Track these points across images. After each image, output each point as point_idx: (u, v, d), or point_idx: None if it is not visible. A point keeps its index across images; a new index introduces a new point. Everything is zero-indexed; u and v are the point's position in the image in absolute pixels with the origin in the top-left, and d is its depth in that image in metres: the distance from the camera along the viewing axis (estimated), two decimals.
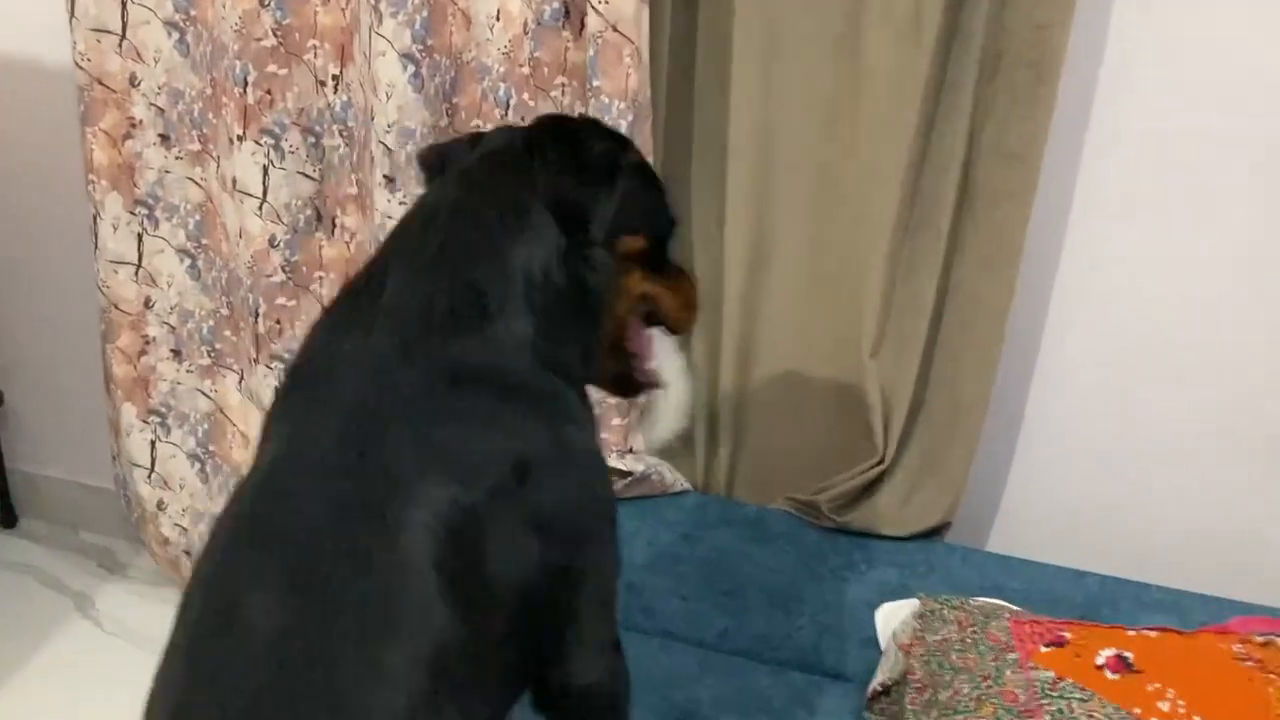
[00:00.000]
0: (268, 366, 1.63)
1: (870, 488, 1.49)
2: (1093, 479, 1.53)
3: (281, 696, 0.69)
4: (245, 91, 1.47)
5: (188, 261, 1.63)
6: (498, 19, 1.40)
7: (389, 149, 1.40)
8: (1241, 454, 1.48)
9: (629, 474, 1.50)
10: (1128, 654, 1.05)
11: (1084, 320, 1.46)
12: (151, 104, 1.55)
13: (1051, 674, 1.03)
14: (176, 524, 1.76)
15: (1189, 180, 1.37)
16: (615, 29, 1.29)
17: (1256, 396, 1.45)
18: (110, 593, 1.87)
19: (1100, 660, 1.05)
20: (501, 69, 1.43)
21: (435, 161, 0.96)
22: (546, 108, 1.44)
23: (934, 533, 1.48)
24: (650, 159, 1.35)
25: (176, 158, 1.58)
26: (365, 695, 0.69)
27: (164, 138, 1.57)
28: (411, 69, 1.37)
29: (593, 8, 1.29)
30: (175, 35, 1.51)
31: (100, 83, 1.53)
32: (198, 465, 1.73)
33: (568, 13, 1.37)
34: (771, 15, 1.36)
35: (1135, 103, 1.35)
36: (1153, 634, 1.10)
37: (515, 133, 0.93)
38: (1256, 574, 1.47)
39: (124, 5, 1.50)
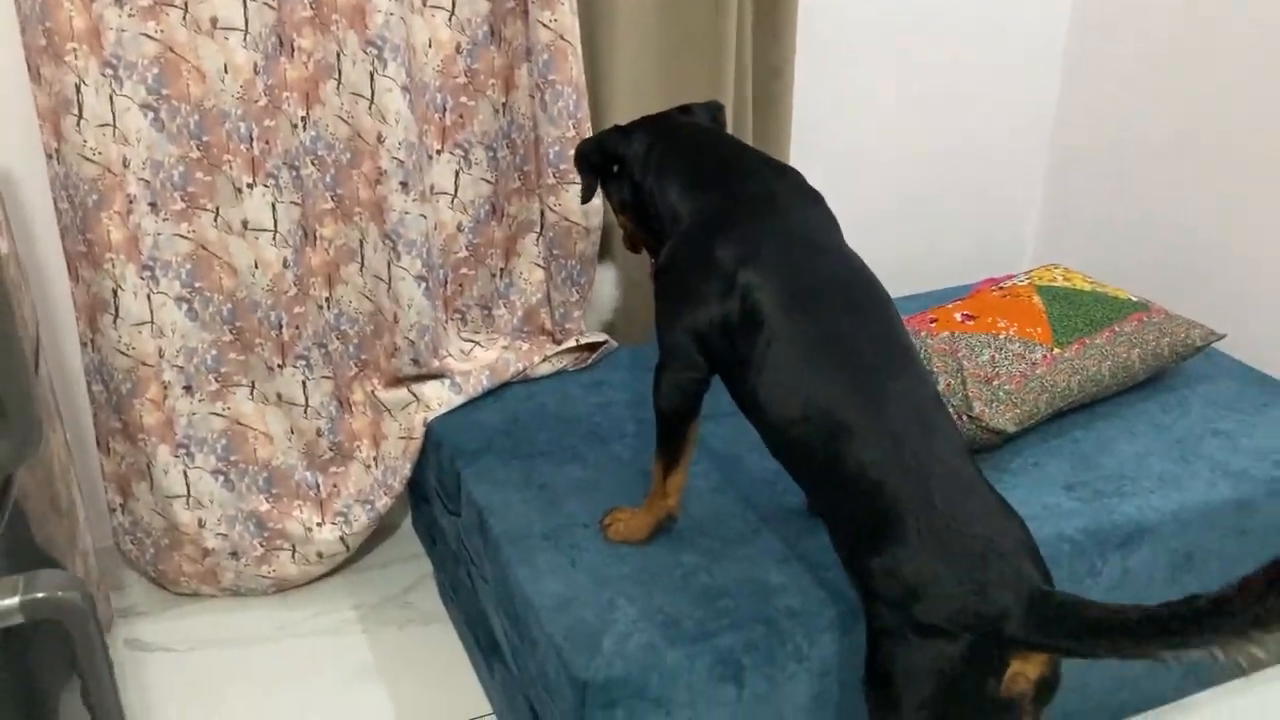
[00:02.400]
0: (294, 367, 1.96)
1: None
2: None
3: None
4: (251, 145, 1.79)
5: (185, 307, 1.88)
6: (430, 45, 1.88)
7: (401, 161, 1.84)
8: None
9: (603, 342, 2.13)
10: (965, 311, 1.98)
11: None
12: (138, 178, 1.77)
13: (948, 332, 1.92)
14: (217, 533, 2.00)
15: None
16: (563, 38, 1.85)
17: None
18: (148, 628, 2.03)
19: (959, 318, 1.97)
20: (437, 83, 1.92)
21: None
22: (484, 106, 1.96)
23: None
24: (590, 123, 1.95)
25: (164, 220, 1.81)
26: None
27: (152, 205, 1.80)
28: (408, 98, 1.82)
29: (543, 25, 1.84)
30: (151, 115, 1.75)
31: (108, 170, 1.72)
32: (221, 478, 2.00)
33: (493, 33, 1.91)
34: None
35: None
36: (960, 302, 2.04)
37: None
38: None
39: (111, 98, 1.71)
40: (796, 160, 2.30)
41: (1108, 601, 1.15)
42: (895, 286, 2.35)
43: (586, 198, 1.71)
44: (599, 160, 1.63)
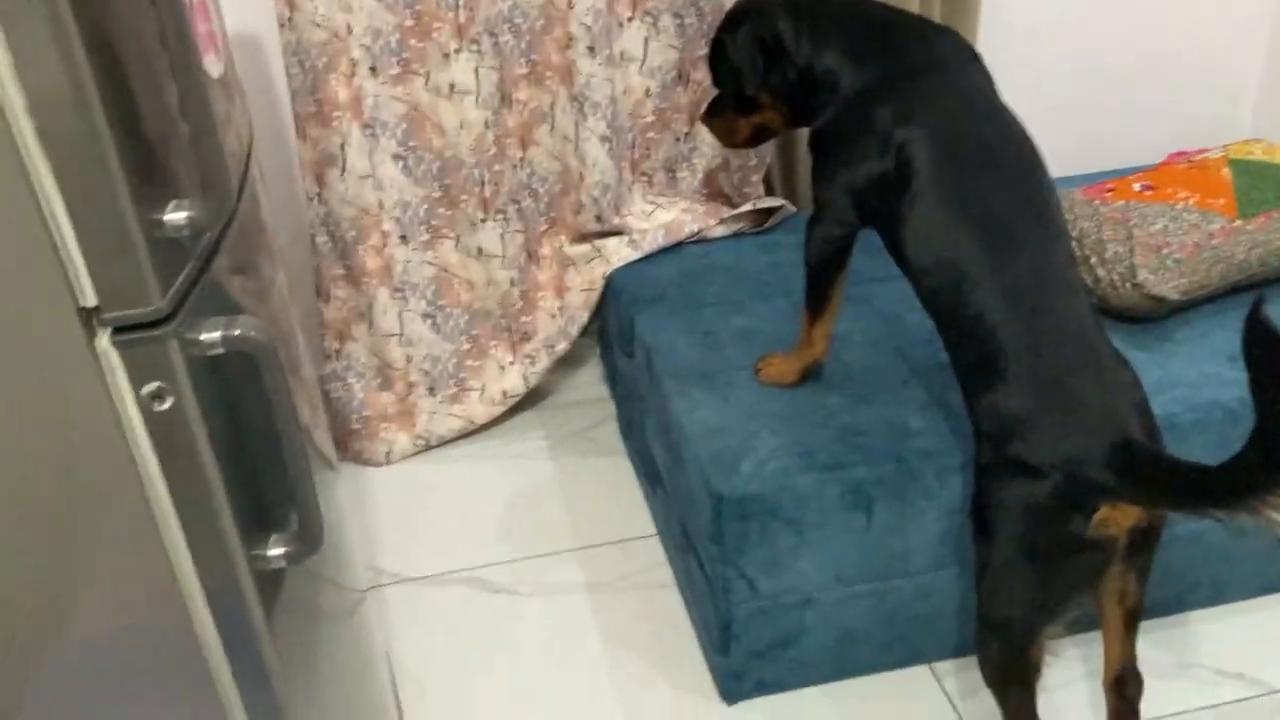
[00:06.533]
0: (493, 221, 2.17)
1: None
2: None
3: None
4: (457, 13, 1.97)
5: (400, 163, 2.10)
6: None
7: (588, 26, 1.98)
8: None
9: (779, 206, 2.24)
10: (1146, 182, 1.95)
11: None
12: (360, 44, 1.98)
13: (1123, 201, 1.90)
14: (421, 368, 2.26)
15: None
16: None
17: None
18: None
19: (1137, 188, 1.94)
20: None
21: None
22: None
23: None
24: None
25: (382, 84, 2.03)
26: None
27: (372, 70, 2.01)
28: None
29: None
30: None
31: (335, 36, 1.95)
32: (430, 321, 2.24)
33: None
34: None
35: None
36: (1144, 173, 2.00)
37: None
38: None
39: None
40: (988, 30, 2.28)
41: (1195, 461, 1.19)
42: (1090, 162, 2.32)
43: (756, 86, 1.63)
44: (773, 43, 1.60)
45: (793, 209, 2.27)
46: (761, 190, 2.27)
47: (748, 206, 2.23)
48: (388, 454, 2.29)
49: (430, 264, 2.20)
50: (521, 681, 1.79)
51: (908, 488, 1.59)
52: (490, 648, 1.85)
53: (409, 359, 2.25)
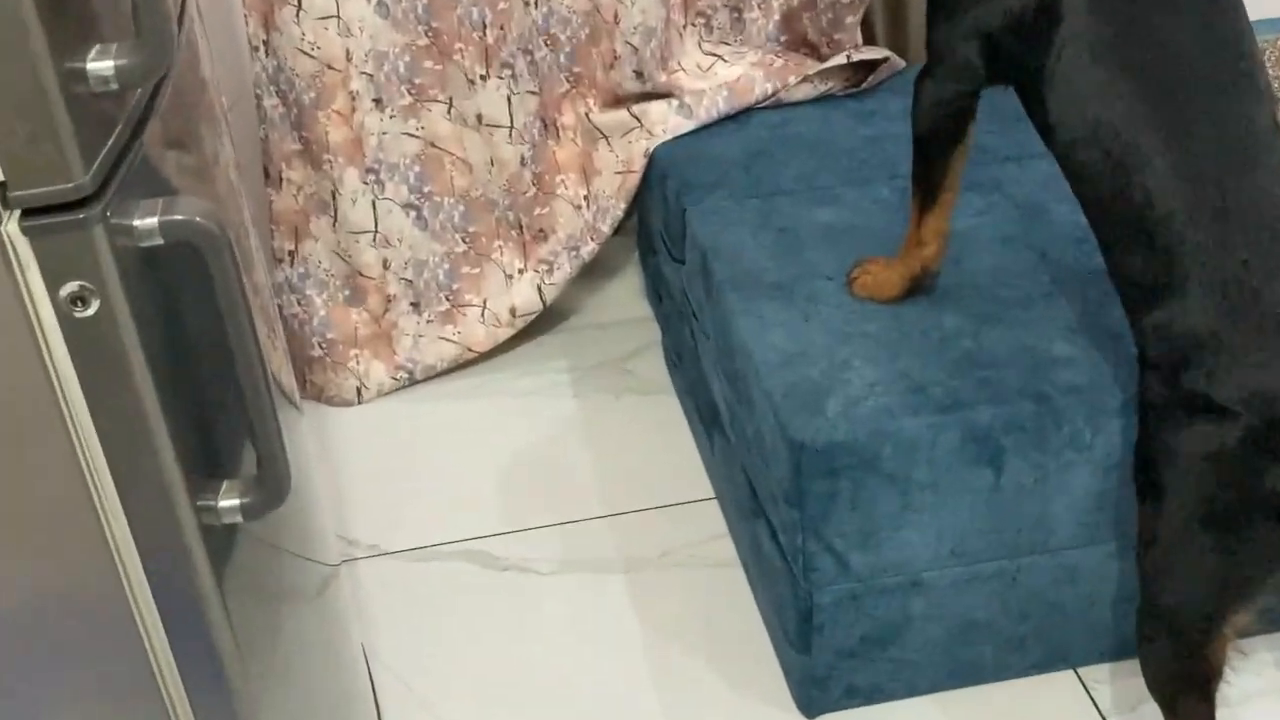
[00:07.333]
0: (498, 78, 2.19)
1: None
2: None
3: None
4: None
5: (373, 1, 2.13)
6: None
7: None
8: None
9: (882, 60, 2.25)
10: None
11: None
12: None
13: None
14: (401, 277, 2.31)
15: None
16: None
17: None
18: None
19: None
20: None
21: None
22: None
23: None
24: None
25: None
26: None
27: None
28: None
29: None
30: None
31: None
32: (413, 213, 2.28)
33: None
34: None
35: None
36: None
37: None
38: None
39: None
40: None
41: None
42: None
43: None
44: None
45: (901, 63, 2.29)
46: (859, 38, 2.28)
47: (839, 59, 2.24)
48: (359, 390, 2.35)
49: (413, 136, 2.23)
50: (535, 684, 1.84)
51: (1049, 435, 1.61)
52: (495, 641, 1.92)
53: (386, 264, 2.30)
